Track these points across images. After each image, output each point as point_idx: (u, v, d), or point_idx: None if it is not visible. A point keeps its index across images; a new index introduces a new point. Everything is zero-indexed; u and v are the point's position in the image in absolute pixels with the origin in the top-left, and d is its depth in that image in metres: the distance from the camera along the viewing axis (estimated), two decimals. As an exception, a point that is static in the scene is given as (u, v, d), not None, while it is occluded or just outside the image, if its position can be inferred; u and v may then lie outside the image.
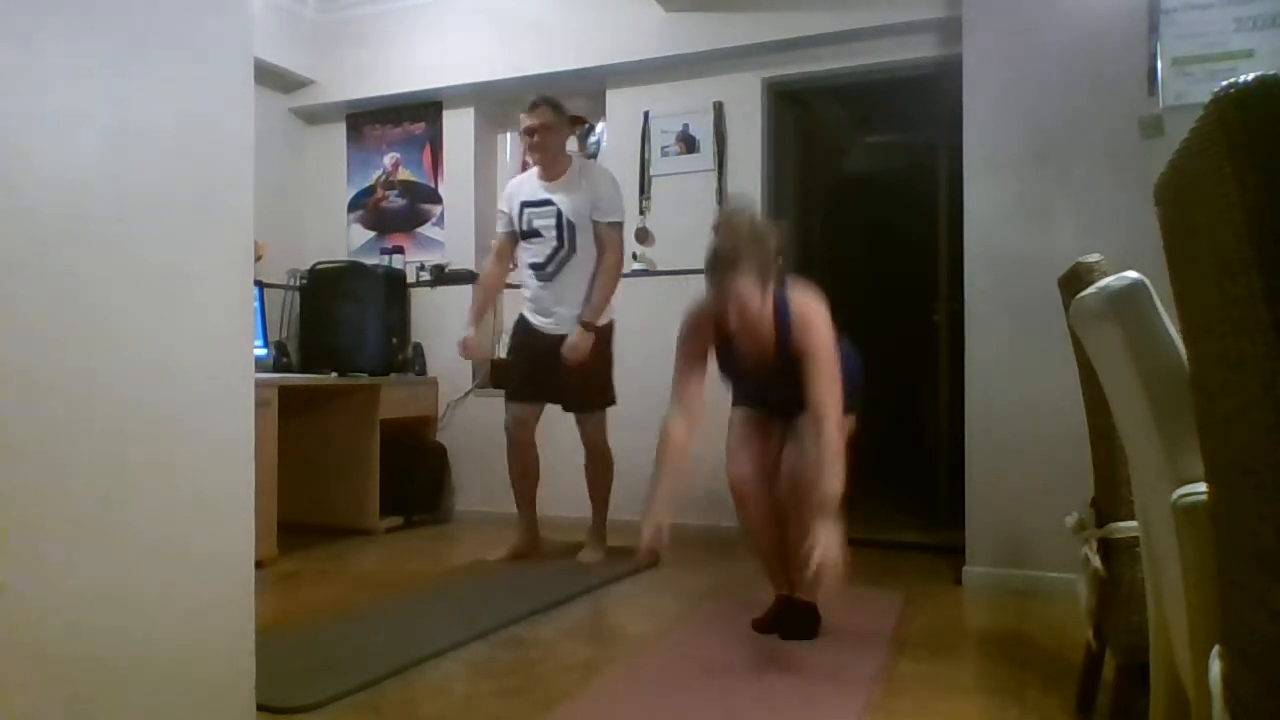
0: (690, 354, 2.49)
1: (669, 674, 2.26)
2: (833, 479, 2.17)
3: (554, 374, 3.46)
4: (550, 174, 3.52)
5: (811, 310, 2.37)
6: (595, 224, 3.47)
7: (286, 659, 2.28)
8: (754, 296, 2.29)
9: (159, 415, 1.52)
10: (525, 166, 3.92)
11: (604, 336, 3.54)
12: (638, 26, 4.26)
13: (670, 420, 2.43)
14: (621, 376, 3.67)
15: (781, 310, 2.38)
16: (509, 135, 5.00)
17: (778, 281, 2.38)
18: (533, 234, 3.54)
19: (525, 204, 3.56)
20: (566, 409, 3.59)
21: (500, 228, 3.69)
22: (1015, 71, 3.25)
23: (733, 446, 2.60)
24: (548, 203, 3.51)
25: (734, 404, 2.68)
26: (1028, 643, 2.56)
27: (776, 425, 2.58)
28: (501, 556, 3.58)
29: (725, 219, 2.40)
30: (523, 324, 3.65)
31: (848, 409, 2.41)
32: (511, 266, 3.84)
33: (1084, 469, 1.88)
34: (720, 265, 2.29)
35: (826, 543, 2.11)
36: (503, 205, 3.69)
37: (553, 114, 3.47)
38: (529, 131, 3.47)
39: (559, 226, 3.49)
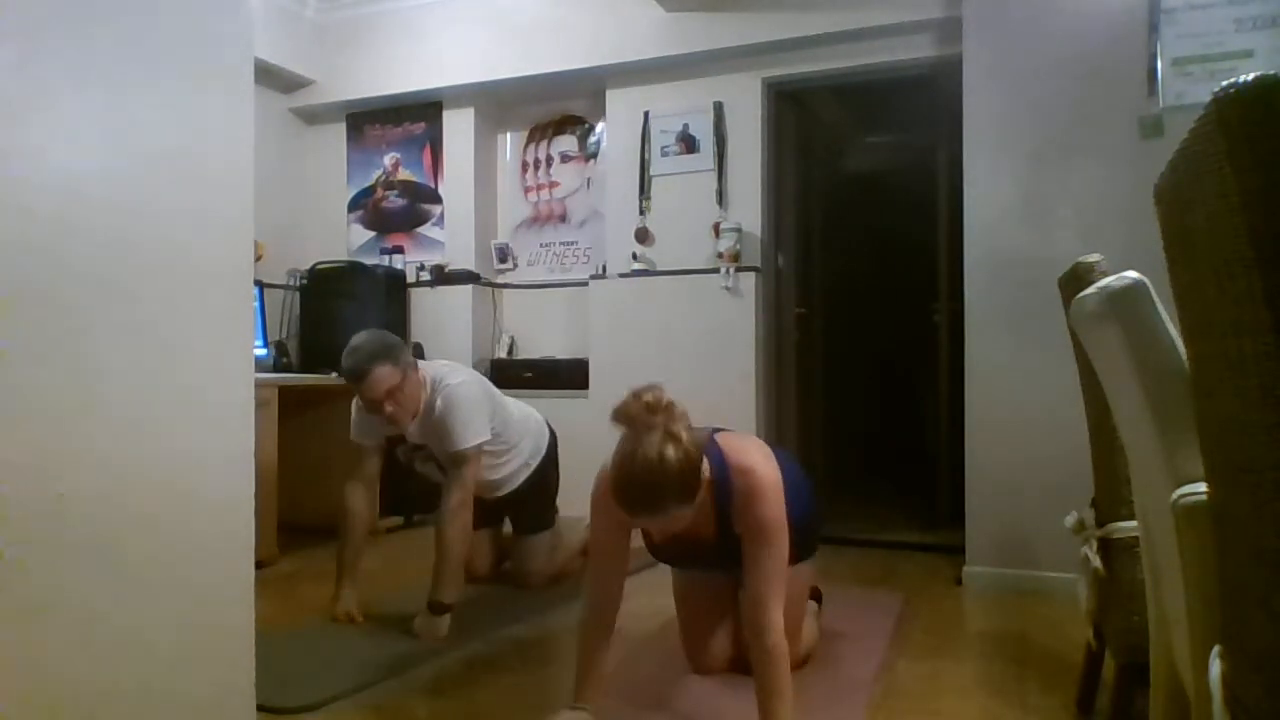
0: (609, 529, 1.92)
1: (668, 674, 2.26)
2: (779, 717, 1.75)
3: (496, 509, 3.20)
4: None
5: (755, 476, 1.87)
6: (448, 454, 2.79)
7: (286, 659, 2.29)
8: (686, 518, 1.76)
9: (158, 414, 1.51)
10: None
11: (539, 473, 3.17)
12: (638, 26, 4.26)
13: (587, 623, 1.93)
14: (620, 375, 3.62)
15: (720, 488, 1.88)
16: (509, 135, 5.00)
17: (705, 465, 1.78)
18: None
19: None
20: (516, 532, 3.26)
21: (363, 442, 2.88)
22: (1015, 71, 3.25)
23: (687, 628, 2.30)
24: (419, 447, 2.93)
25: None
26: (1028, 643, 2.55)
27: (725, 582, 2.27)
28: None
29: (628, 454, 1.67)
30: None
31: (801, 557, 2.11)
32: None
33: (1084, 469, 1.88)
34: (637, 507, 1.71)
35: None
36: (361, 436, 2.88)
37: (389, 370, 2.62)
38: (373, 406, 2.67)
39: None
